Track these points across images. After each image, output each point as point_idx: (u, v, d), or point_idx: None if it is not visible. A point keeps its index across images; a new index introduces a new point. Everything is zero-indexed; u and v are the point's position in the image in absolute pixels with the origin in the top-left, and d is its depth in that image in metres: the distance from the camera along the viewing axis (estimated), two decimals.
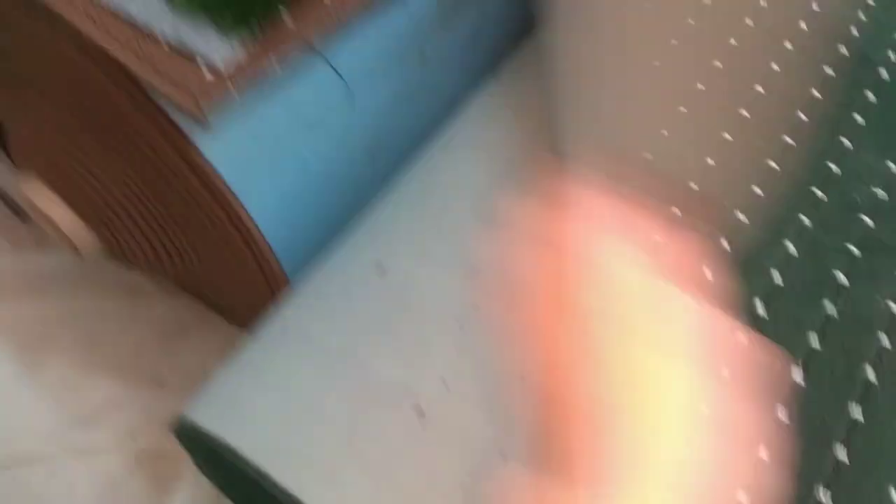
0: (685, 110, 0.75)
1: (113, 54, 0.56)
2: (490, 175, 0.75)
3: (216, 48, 0.59)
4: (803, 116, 0.77)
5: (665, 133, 0.71)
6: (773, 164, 0.73)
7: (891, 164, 0.75)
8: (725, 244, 0.65)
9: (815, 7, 0.84)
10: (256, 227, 0.68)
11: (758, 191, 0.70)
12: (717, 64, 0.79)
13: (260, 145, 0.66)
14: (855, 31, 0.85)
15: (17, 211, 1.01)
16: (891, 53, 0.84)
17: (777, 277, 0.66)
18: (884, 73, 0.83)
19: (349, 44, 0.69)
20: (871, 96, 0.81)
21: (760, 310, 0.64)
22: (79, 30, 0.57)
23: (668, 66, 0.78)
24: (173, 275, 0.85)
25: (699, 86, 0.77)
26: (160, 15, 0.58)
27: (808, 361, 0.61)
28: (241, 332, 0.91)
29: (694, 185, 0.68)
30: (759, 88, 0.78)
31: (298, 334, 0.62)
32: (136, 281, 0.97)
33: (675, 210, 0.64)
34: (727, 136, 0.73)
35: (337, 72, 0.68)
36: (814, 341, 0.62)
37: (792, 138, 0.75)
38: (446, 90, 0.87)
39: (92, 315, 0.93)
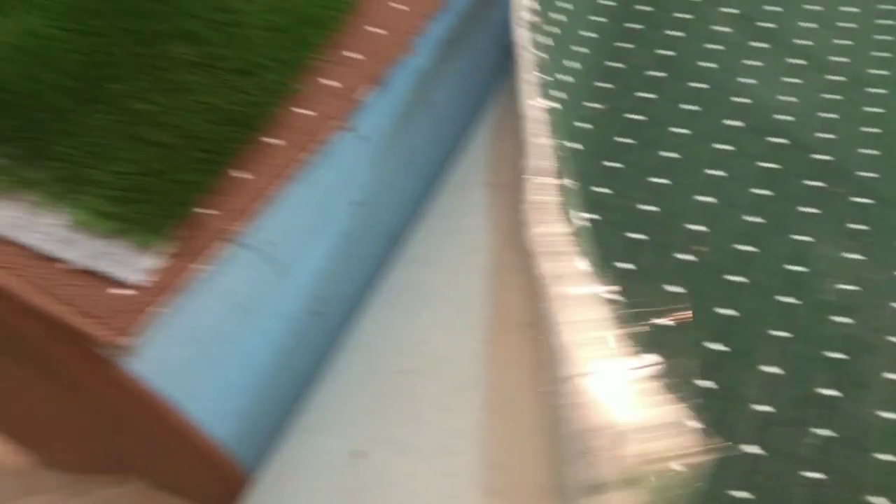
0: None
1: (11, 289, 0.51)
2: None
3: (131, 264, 0.54)
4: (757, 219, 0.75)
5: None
6: (737, 278, 0.70)
7: (850, 255, 0.73)
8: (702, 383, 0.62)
9: (740, 99, 0.83)
10: (201, 430, 0.62)
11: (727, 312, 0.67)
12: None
13: (195, 343, 0.61)
14: (782, 117, 0.84)
15: None
16: (821, 134, 0.83)
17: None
18: (822, 157, 0.81)
19: (277, 216, 0.65)
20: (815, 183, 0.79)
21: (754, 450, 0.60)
22: None
23: None
24: (124, 471, 0.78)
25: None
26: (67, 240, 0.54)
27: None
28: None
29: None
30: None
31: None
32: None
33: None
34: (691, 257, 0.71)
35: (266, 251, 0.64)
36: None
37: (750, 245, 0.72)
38: (388, 228, 0.83)
39: None
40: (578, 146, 0.77)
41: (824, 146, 0.82)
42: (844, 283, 0.71)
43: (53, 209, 0.55)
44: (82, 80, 0.61)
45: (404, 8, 0.81)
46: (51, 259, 0.53)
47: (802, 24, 0.96)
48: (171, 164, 0.59)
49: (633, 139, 0.80)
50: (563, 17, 0.89)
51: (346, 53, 0.76)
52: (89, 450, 0.71)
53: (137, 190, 0.57)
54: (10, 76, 0.60)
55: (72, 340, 0.52)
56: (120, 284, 0.53)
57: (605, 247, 0.68)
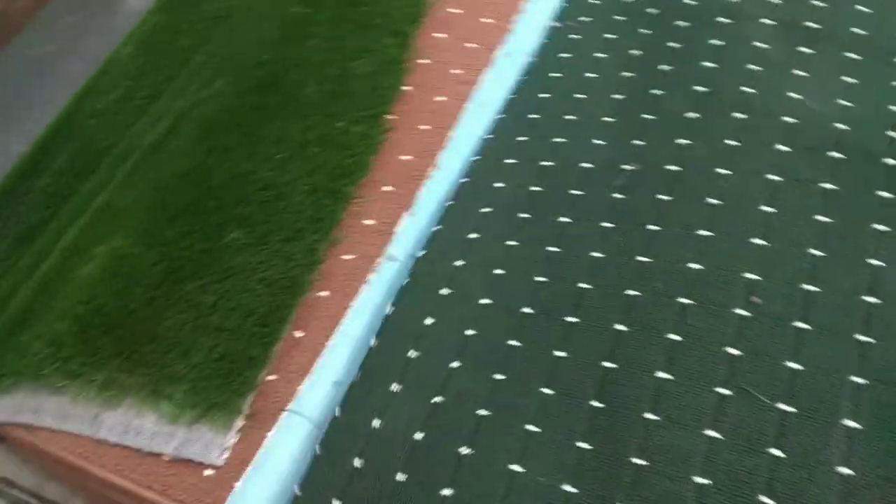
0: None
1: (125, 486, 0.62)
2: None
3: (215, 444, 0.63)
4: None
5: None
6: (801, 325, 0.66)
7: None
8: None
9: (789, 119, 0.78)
10: None
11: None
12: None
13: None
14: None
15: None
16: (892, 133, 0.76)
17: None
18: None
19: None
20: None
21: None
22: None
23: None
24: None
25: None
26: (162, 435, 0.64)
27: None
28: None
29: None
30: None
31: None
32: None
33: None
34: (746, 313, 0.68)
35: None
36: None
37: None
38: None
39: None
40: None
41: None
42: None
43: (149, 409, 0.66)
44: (162, 287, 0.74)
45: (428, 130, 0.87)
46: (153, 454, 0.64)
47: (858, 7, 0.88)
48: (234, 346, 0.68)
49: (670, 195, 0.78)
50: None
51: (382, 188, 0.83)
52: None
53: (211, 377, 0.66)
54: (105, 298, 0.74)
55: None
56: (210, 466, 0.63)
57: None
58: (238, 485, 0.61)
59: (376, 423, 0.70)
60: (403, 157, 0.85)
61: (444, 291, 0.78)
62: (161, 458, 0.64)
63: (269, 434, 0.64)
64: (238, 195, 0.80)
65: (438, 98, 0.89)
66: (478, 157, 0.88)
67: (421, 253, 0.81)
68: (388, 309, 0.77)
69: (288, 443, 0.66)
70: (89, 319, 0.71)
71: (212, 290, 0.73)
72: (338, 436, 0.69)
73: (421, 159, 0.85)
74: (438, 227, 0.83)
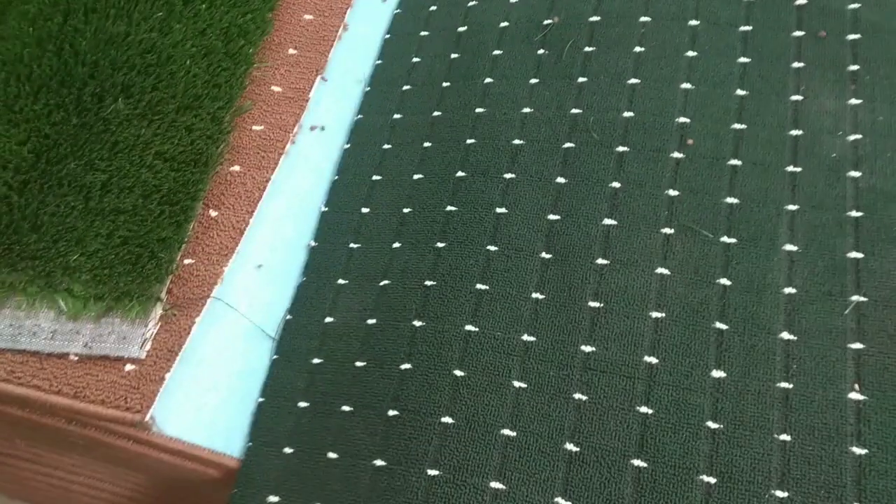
0: None
1: (30, 397, 0.53)
2: None
3: (132, 338, 0.55)
4: None
5: None
6: (734, 162, 0.66)
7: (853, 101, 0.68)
8: None
9: None
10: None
11: None
12: None
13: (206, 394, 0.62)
14: None
15: None
16: None
17: None
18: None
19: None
20: None
21: None
22: None
23: None
24: None
25: None
26: (65, 333, 0.55)
27: None
28: None
29: None
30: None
31: None
32: None
33: None
34: (681, 155, 0.67)
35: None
36: None
37: None
38: None
39: None
40: None
41: None
42: (852, 134, 0.66)
43: (43, 306, 0.56)
44: (36, 168, 0.62)
45: None
46: (57, 356, 0.55)
47: None
48: (137, 228, 0.59)
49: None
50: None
51: (288, 52, 0.74)
52: None
53: (115, 264, 0.57)
54: None
55: (100, 427, 0.54)
56: (129, 360, 0.54)
57: None
58: (168, 375, 0.54)
59: (329, 319, 0.65)
60: (306, 17, 0.75)
61: (376, 177, 0.73)
62: (68, 358, 0.54)
63: (196, 320, 0.57)
64: (113, 61, 0.67)
65: None
66: (388, 35, 0.81)
67: (346, 146, 0.74)
68: (323, 207, 0.71)
69: (217, 330, 0.59)
70: None
71: (99, 168, 0.62)
72: (293, 339, 0.65)
73: (326, 18, 0.76)
74: (359, 116, 0.76)
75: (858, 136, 0.66)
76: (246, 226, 0.63)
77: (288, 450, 0.59)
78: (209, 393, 0.59)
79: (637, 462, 0.54)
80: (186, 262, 0.60)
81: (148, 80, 0.67)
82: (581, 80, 0.74)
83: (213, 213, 0.63)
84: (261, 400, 0.62)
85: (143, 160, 0.63)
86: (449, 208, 0.69)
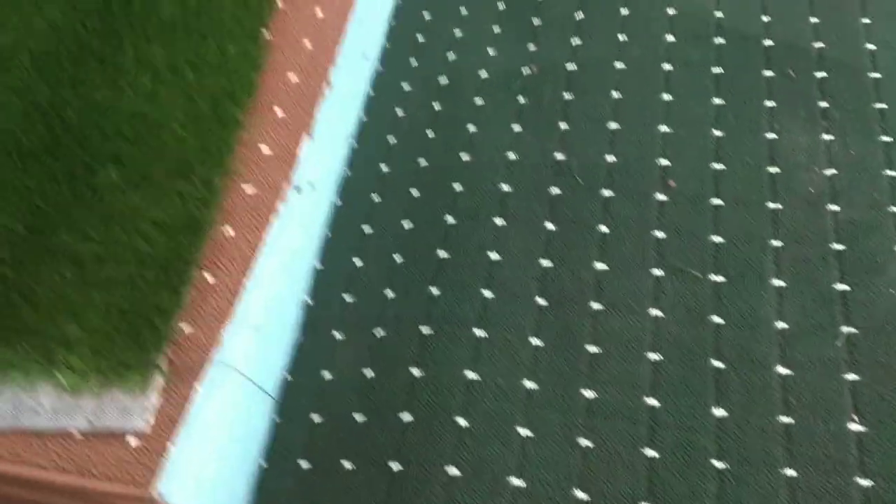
0: None
1: (35, 477, 0.52)
2: None
3: (134, 410, 0.54)
4: None
5: None
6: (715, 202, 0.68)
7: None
8: None
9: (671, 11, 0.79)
10: None
11: None
12: None
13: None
14: (718, 14, 0.81)
15: None
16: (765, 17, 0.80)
17: None
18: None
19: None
20: None
21: None
22: None
23: None
24: None
25: None
26: (66, 410, 0.54)
27: None
28: None
29: None
30: None
31: None
32: None
33: None
34: (665, 198, 0.69)
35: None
36: None
37: None
38: None
39: None
40: None
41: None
42: (827, 168, 0.69)
43: (42, 383, 0.56)
44: (28, 242, 0.61)
45: (311, 48, 0.80)
46: (61, 434, 0.54)
47: None
48: (134, 298, 0.59)
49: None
50: None
51: (274, 112, 0.75)
52: None
53: (113, 336, 0.57)
54: None
55: (106, 501, 0.53)
56: (133, 433, 0.54)
57: None
58: (172, 446, 0.53)
59: (326, 374, 0.66)
60: (291, 77, 0.77)
61: (367, 229, 0.73)
62: (72, 436, 0.54)
63: (197, 386, 0.56)
64: (102, 131, 0.68)
65: (317, 14, 0.81)
66: (371, 93, 0.83)
67: (337, 202, 0.75)
68: (317, 264, 0.72)
69: (220, 395, 0.59)
70: None
71: (93, 239, 0.62)
72: (292, 398, 0.65)
73: (310, 78, 0.77)
74: (347, 172, 0.78)
75: (833, 171, 0.68)
76: (241, 288, 0.63)
77: None
78: (211, 460, 0.58)
79: None
80: (185, 329, 0.60)
81: (138, 148, 0.67)
82: (563, 126, 0.76)
83: (209, 278, 0.63)
84: (262, 464, 0.61)
85: (136, 228, 0.63)
86: (440, 254, 0.69)
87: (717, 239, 0.66)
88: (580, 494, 0.56)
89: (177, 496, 0.55)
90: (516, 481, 0.57)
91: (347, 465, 0.61)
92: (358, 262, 0.72)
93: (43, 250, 0.61)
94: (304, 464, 0.61)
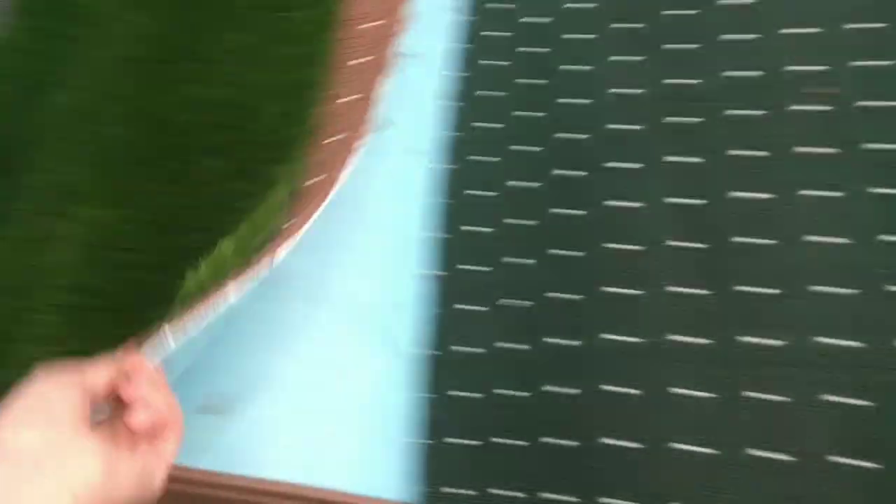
0: None
1: None
2: None
3: None
4: None
5: None
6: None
7: None
8: None
9: None
10: None
11: None
12: None
13: None
14: None
15: None
16: None
17: None
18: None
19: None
20: None
21: None
22: None
23: None
24: None
25: None
26: None
27: None
28: None
29: None
30: None
31: None
32: None
33: None
34: None
35: None
36: None
37: None
38: None
39: None
40: None
41: None
42: None
43: None
44: (160, 249, 0.61)
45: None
46: None
47: None
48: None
49: None
50: None
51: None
52: None
53: None
54: (96, 276, 0.61)
55: None
56: None
57: None
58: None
59: (470, 349, 0.61)
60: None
61: (485, 193, 0.67)
62: None
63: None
64: (200, 123, 0.66)
65: None
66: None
67: (446, 166, 0.68)
68: (439, 234, 0.66)
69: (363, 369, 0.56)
70: (80, 302, 0.58)
71: (217, 234, 0.60)
72: (438, 374, 0.61)
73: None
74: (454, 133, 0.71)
75: None
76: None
77: (470, 492, 0.56)
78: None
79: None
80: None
81: (235, 134, 0.65)
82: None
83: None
84: (425, 441, 0.58)
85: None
86: (573, 212, 0.63)
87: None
88: (782, 456, 0.49)
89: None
90: (691, 447, 0.51)
91: (514, 441, 0.57)
92: (486, 228, 0.66)
93: (177, 252, 0.59)
94: (468, 441, 0.58)
